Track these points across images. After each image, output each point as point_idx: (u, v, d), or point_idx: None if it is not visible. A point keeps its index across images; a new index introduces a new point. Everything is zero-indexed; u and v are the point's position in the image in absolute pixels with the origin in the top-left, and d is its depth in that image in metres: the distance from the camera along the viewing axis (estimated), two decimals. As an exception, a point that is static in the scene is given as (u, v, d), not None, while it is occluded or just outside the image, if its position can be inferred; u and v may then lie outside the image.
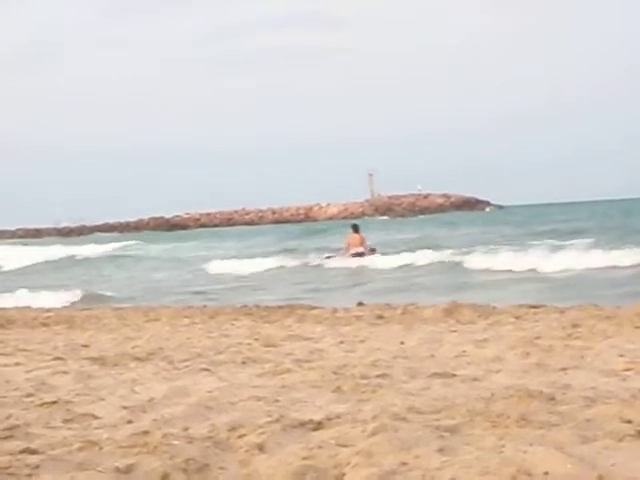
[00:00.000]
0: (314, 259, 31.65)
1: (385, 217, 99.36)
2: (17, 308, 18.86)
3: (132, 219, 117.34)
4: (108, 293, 23.79)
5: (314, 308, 15.49)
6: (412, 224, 73.91)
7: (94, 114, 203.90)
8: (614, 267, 22.65)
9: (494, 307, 13.91)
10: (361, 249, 28.47)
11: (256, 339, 10.90)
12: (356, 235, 28.90)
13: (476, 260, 26.85)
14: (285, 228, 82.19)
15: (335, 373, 7.63)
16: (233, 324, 13.28)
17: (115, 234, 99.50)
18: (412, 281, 23.46)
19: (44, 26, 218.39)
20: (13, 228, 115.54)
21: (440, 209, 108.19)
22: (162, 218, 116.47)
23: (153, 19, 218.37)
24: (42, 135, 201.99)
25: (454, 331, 11.12)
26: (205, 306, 17.39)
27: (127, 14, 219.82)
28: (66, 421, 5.98)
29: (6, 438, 5.37)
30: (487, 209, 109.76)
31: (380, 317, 13.27)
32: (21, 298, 21.67)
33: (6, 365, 9.11)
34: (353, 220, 46.85)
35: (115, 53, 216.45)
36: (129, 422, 5.86)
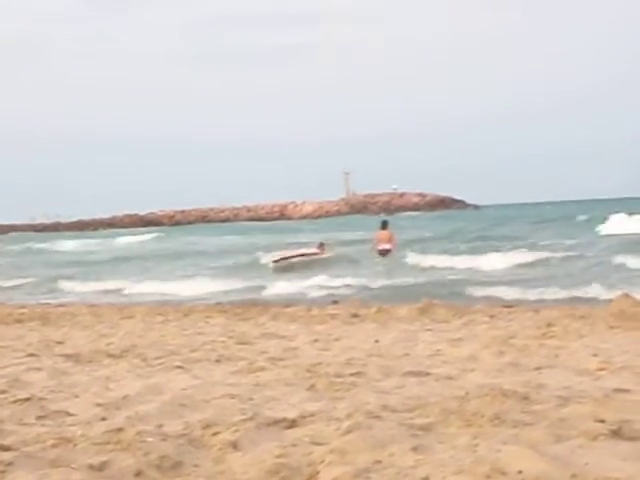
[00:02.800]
0: None
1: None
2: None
3: (106, 216, 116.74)
4: None
5: (288, 306, 15.50)
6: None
7: (70, 103, 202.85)
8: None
9: (468, 306, 13.99)
10: (388, 246, 27.69)
11: (230, 337, 10.89)
12: (384, 232, 28.26)
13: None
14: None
15: (309, 371, 7.63)
16: (207, 322, 13.26)
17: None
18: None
19: (27, 16, 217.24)
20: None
21: (415, 208, 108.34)
22: (136, 215, 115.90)
23: (144, 11, 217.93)
24: (13, 123, 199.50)
25: (429, 330, 11.16)
26: (180, 304, 17.36)
27: (120, 6, 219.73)
28: (40, 418, 5.94)
29: (-22, 435, 5.33)
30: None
31: (355, 315, 13.30)
32: None
33: (-21, 361, 9.05)
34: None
35: (95, 45, 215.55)
36: (103, 419, 5.83)
